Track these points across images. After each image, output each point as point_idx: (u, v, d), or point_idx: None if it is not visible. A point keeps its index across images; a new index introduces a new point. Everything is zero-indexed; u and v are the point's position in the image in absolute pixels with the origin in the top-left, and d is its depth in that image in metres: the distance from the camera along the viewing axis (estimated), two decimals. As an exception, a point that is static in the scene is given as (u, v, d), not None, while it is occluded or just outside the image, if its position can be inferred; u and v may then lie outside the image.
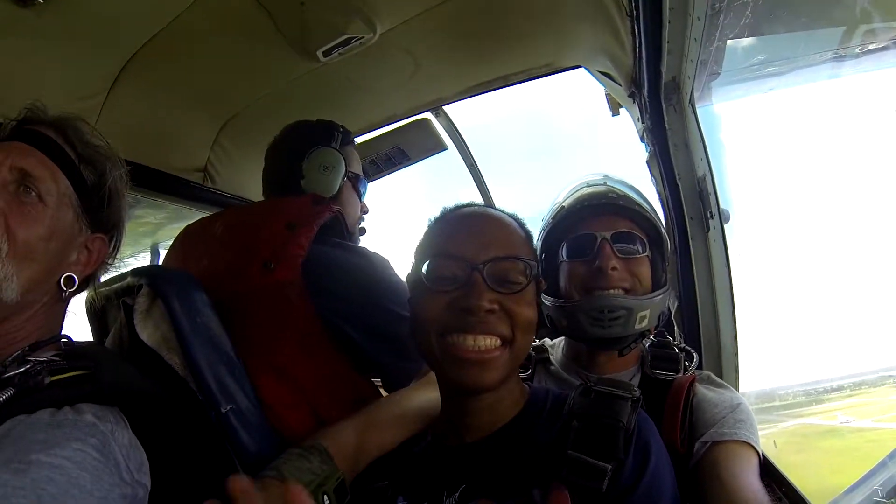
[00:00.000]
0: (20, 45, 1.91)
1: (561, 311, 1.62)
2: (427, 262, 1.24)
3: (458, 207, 1.35)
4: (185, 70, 2.26)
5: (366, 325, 1.60)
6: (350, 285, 1.61)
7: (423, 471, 1.25)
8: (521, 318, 1.18)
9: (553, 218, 1.70)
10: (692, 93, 1.78)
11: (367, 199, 2.08)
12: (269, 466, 1.18)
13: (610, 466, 1.09)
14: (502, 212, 1.34)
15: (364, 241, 2.06)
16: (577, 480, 1.09)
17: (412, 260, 1.33)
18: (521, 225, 1.34)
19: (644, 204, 1.68)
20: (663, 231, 1.69)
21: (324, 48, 1.99)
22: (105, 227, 1.34)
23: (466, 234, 1.25)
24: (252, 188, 2.36)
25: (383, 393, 1.67)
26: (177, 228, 1.94)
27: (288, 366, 1.51)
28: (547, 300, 1.64)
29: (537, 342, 1.86)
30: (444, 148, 2.67)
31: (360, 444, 1.31)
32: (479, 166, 2.94)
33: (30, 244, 1.16)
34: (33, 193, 1.18)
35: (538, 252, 1.67)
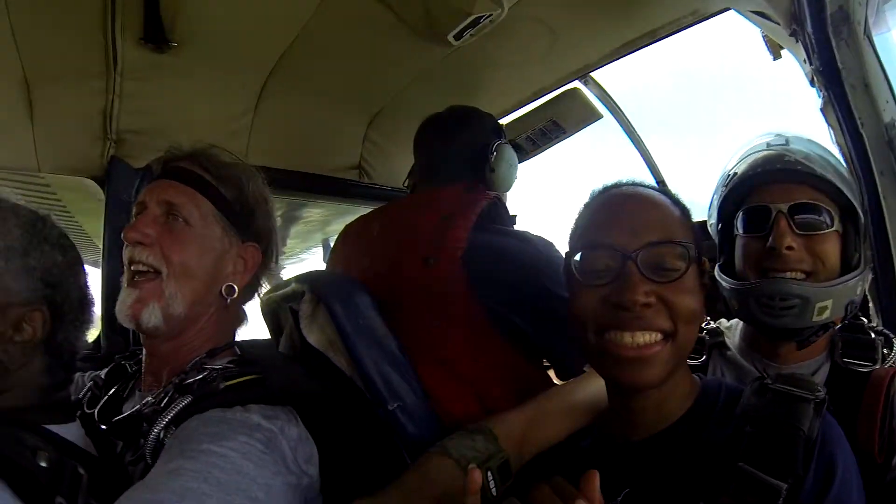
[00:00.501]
0: (167, 85, 2.16)
1: (732, 293, 1.43)
2: (577, 255, 1.14)
3: (605, 189, 1.22)
4: (323, 75, 2.34)
5: (533, 312, 1.54)
6: (513, 272, 1.56)
7: (586, 469, 1.12)
8: (682, 309, 1.07)
9: (725, 186, 1.49)
10: (866, 21, 1.50)
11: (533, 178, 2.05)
12: (434, 445, 1.22)
13: (785, 485, 0.96)
14: (653, 189, 1.21)
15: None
16: (747, 499, 0.98)
17: (567, 248, 1.23)
18: (676, 202, 1.19)
19: (831, 167, 1.43)
20: (856, 201, 1.42)
21: (453, 32, 1.95)
22: (255, 235, 1.48)
23: (616, 219, 1.14)
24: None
25: (556, 382, 1.61)
26: (344, 221, 2.01)
27: (454, 359, 1.49)
28: (722, 279, 1.46)
29: (712, 324, 1.65)
30: (598, 117, 2.55)
31: (525, 434, 1.26)
32: (639, 132, 2.78)
33: (185, 263, 1.34)
34: (180, 219, 1.36)
35: (714, 222, 1.53)
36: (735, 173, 1.48)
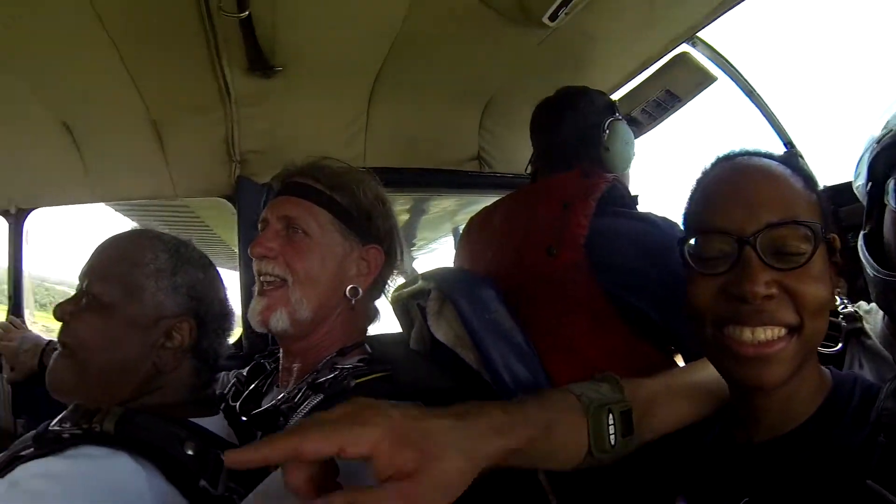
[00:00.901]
0: (279, 105, 2.35)
1: (874, 281, 1.18)
2: (691, 240, 1.02)
3: (717, 162, 1.08)
4: (428, 72, 2.38)
5: (658, 297, 1.47)
6: (636, 255, 1.51)
7: (707, 470, 1.06)
8: (810, 299, 0.92)
9: (878, 143, 1.18)
10: None
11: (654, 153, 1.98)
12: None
13: None
14: (772, 158, 1.04)
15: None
16: None
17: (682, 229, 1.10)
18: (799, 171, 1.03)
19: None
20: None
21: (547, 14, 1.92)
22: (375, 237, 1.52)
23: (730, 198, 1.00)
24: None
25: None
26: (472, 210, 2.04)
27: (580, 348, 1.47)
28: (866, 261, 1.20)
29: (849, 308, 1.35)
30: (713, 79, 2.42)
31: (649, 403, 1.13)
32: (760, 93, 2.60)
33: (308, 271, 1.42)
34: (300, 231, 1.44)
35: (863, 182, 1.24)
36: (891, 131, 1.16)
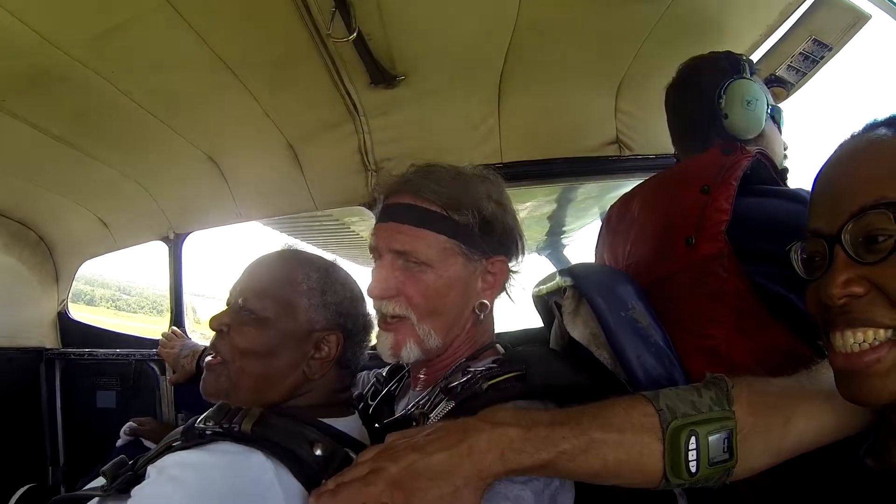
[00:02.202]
0: (407, 112, 2.47)
1: None
2: (795, 246, 0.95)
3: (845, 142, 0.93)
4: (554, 59, 2.34)
5: None
6: (783, 239, 1.38)
7: (848, 496, 0.93)
8: None
9: None
10: None
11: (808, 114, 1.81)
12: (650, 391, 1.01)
13: None
14: (887, 123, 0.88)
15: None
16: None
17: None
18: None
19: None
20: None
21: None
22: (499, 245, 1.47)
23: (822, 191, 0.91)
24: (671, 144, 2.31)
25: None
26: (618, 194, 1.98)
27: (721, 346, 1.38)
28: None
29: None
30: (866, 17, 2.17)
31: (785, 408, 0.98)
32: None
33: (430, 304, 1.40)
34: (417, 264, 1.39)
35: None
36: None
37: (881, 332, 0.81)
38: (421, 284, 1.38)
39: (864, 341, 0.81)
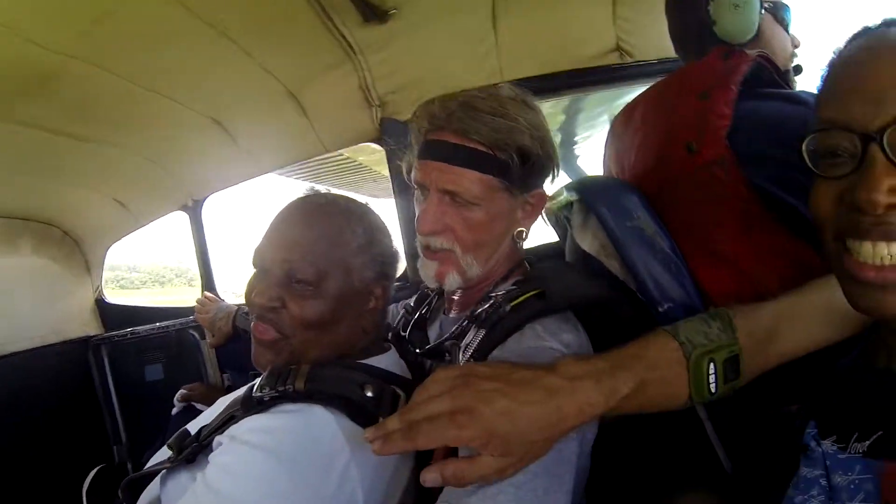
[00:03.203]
0: (404, 44, 2.46)
1: None
2: (810, 137, 0.87)
3: (851, 39, 0.89)
4: None
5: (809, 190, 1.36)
6: (785, 142, 1.29)
7: (841, 395, 0.96)
8: None
9: None
10: None
11: (797, 27, 1.75)
12: (671, 325, 1.10)
13: None
14: None
15: (802, 83, 1.75)
16: None
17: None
18: None
19: None
20: None
21: None
22: (539, 179, 1.51)
23: (854, 85, 0.82)
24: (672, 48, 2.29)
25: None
26: (625, 101, 1.98)
27: (727, 250, 1.42)
28: None
29: None
30: None
31: (774, 330, 1.08)
32: None
33: (476, 238, 1.45)
34: (465, 202, 1.42)
35: None
36: None
37: None
38: (469, 221, 1.43)
39: None
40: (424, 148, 1.48)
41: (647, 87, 1.88)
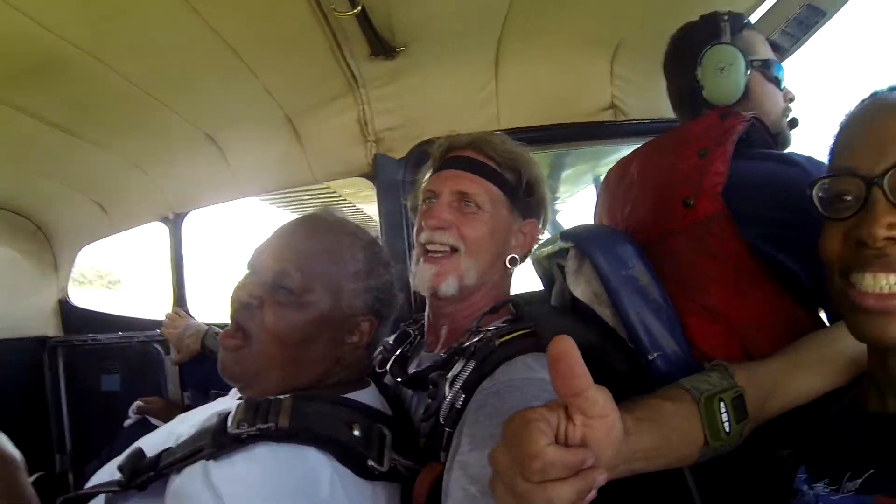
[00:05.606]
0: (406, 83, 2.56)
1: None
2: (819, 184, 1.00)
3: (861, 102, 1.02)
4: (551, 25, 2.40)
5: (803, 251, 1.41)
6: (779, 204, 1.45)
7: (832, 438, 1.05)
8: None
9: None
10: None
11: (795, 82, 1.86)
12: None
13: None
14: None
15: (798, 134, 1.86)
16: None
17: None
18: None
19: None
20: None
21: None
22: (534, 212, 1.72)
23: (861, 136, 0.97)
24: (666, 108, 2.36)
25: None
26: (613, 159, 2.07)
27: (719, 306, 1.47)
28: None
29: None
30: None
31: (772, 383, 1.20)
32: None
33: (478, 241, 1.59)
34: (472, 205, 1.60)
35: None
36: None
37: None
38: (474, 223, 1.59)
39: (895, 284, 0.89)
40: (443, 163, 1.70)
41: (637, 145, 1.98)
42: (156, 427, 1.59)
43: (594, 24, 2.46)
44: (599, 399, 0.71)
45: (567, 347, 0.70)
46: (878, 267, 0.90)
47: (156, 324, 2.87)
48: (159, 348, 2.99)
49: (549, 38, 2.49)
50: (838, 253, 0.97)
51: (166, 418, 1.65)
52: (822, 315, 1.50)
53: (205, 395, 1.89)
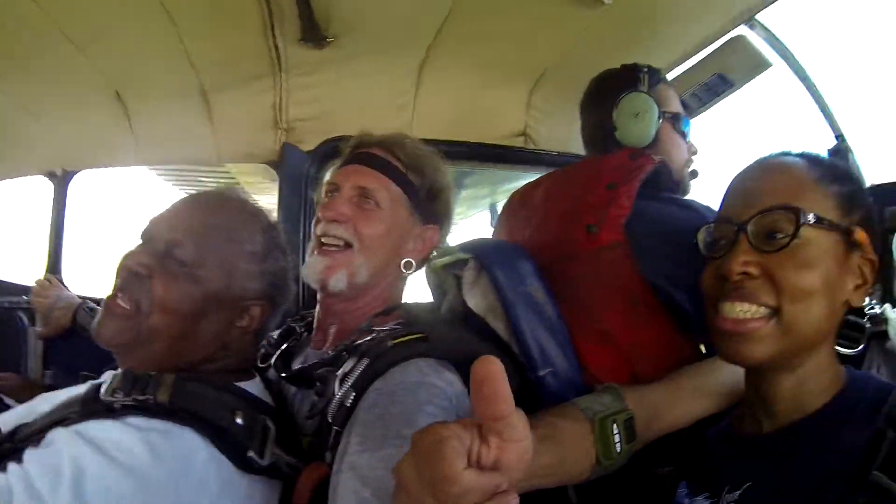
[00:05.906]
0: (329, 75, 2.54)
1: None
2: (704, 230, 1.20)
3: (759, 159, 1.21)
4: (482, 45, 2.47)
5: (692, 287, 1.43)
6: (674, 243, 1.51)
7: (710, 458, 1.20)
8: (787, 284, 1.04)
9: None
10: None
11: (699, 138, 2.03)
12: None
13: None
14: (798, 156, 1.17)
15: (697, 185, 2.00)
16: None
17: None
18: (821, 165, 1.14)
19: None
20: None
21: (605, -11, 1.99)
22: (435, 218, 1.71)
23: (738, 190, 1.18)
24: (574, 143, 2.47)
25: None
26: (512, 186, 2.12)
27: (611, 331, 1.53)
28: None
29: (876, 309, 1.42)
30: (767, 65, 2.42)
31: (656, 407, 1.31)
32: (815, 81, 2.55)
33: (373, 238, 1.57)
34: (372, 202, 1.58)
35: None
36: None
37: (762, 308, 1.06)
38: (371, 220, 1.57)
39: (748, 312, 1.07)
40: (349, 158, 1.69)
41: (540, 174, 2.06)
42: (9, 407, 1.54)
43: (522, 50, 2.54)
44: (519, 424, 0.69)
45: (494, 370, 0.69)
46: (735, 297, 1.09)
47: (23, 289, 2.63)
48: (23, 317, 2.65)
49: (476, 55, 2.54)
50: (711, 287, 1.15)
51: (22, 399, 1.55)
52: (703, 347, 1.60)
53: (70, 375, 1.77)
